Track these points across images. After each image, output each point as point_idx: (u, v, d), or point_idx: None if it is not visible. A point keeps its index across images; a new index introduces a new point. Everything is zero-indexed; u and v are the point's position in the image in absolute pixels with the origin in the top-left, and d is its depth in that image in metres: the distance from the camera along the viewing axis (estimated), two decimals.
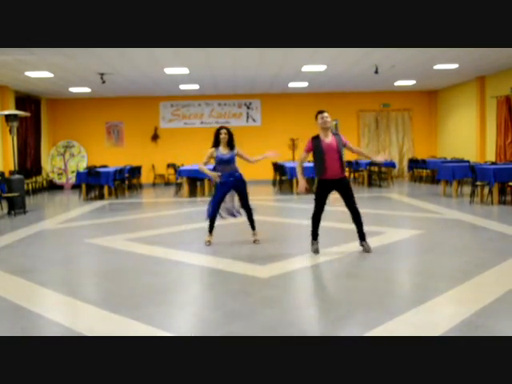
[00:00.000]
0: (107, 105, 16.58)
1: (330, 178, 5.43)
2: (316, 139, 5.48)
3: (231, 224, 7.65)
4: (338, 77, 13.37)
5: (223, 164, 6.05)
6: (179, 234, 7.22)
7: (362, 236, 5.62)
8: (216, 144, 6.11)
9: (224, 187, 6.07)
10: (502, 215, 8.17)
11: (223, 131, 6.08)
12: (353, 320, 3.47)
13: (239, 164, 6.24)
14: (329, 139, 5.46)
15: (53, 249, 6.34)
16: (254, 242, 6.23)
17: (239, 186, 6.13)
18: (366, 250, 5.57)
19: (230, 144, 6.10)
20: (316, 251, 5.58)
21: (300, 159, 5.71)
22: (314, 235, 5.66)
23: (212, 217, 6.16)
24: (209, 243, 6.18)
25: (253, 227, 6.29)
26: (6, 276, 4.90)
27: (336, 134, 5.57)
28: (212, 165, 6.45)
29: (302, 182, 5.62)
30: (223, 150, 6.06)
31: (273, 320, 3.48)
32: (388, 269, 4.96)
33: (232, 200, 6.33)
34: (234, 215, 6.43)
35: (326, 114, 5.48)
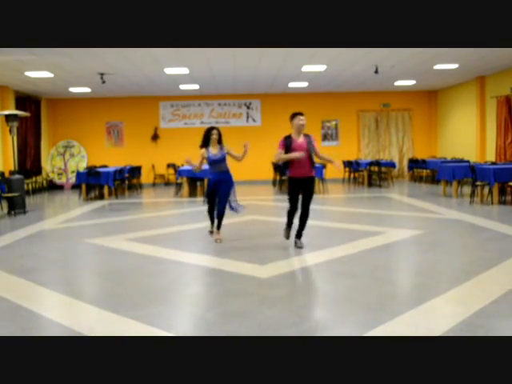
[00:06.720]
0: (107, 105, 16.58)
1: (299, 176, 5.67)
2: (288, 138, 5.77)
3: (231, 224, 7.64)
4: (338, 77, 13.37)
5: (215, 164, 6.25)
6: (179, 233, 7.22)
7: (299, 234, 5.96)
8: (205, 144, 6.29)
9: (213, 185, 6.28)
10: (501, 215, 8.17)
11: (215, 132, 6.28)
12: (353, 320, 3.47)
13: (236, 165, 6.31)
14: (300, 139, 5.74)
15: (53, 249, 6.33)
16: (216, 240, 6.35)
17: (226, 185, 6.28)
18: (299, 246, 5.89)
19: (220, 143, 6.30)
20: (287, 237, 6.02)
21: (278, 157, 5.79)
22: (289, 224, 6.02)
23: (208, 211, 6.46)
24: (219, 241, 6.33)
25: (218, 227, 6.41)
26: (6, 276, 4.90)
27: (306, 135, 5.82)
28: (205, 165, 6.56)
29: (295, 153, 5.61)
30: (214, 150, 6.26)
31: (272, 320, 3.48)
32: (388, 269, 4.97)
33: (234, 195, 6.49)
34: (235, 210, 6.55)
35: (302, 117, 5.77)
